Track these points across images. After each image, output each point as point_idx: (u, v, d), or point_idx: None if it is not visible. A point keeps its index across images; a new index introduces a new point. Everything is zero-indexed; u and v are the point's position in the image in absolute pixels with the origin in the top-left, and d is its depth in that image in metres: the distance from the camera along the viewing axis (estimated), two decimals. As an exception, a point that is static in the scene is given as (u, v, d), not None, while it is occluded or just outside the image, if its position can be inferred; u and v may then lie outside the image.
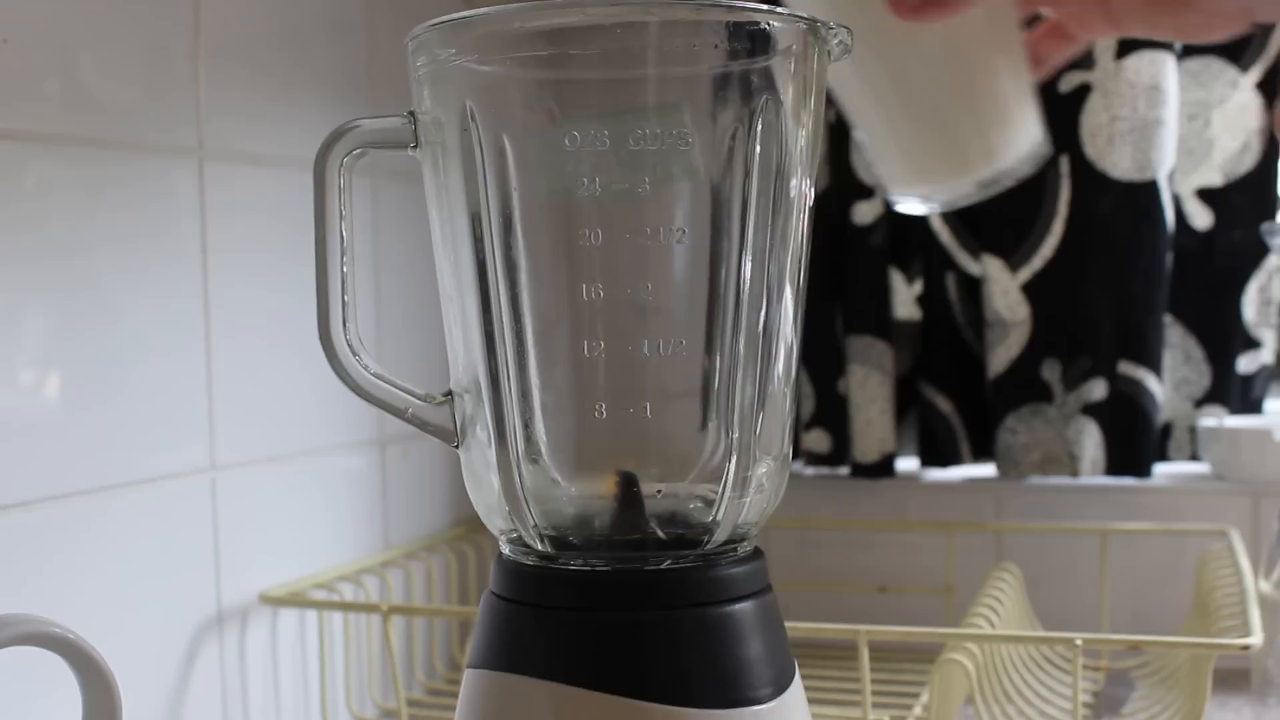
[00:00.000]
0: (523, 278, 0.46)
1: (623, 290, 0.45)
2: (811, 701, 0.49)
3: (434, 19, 0.45)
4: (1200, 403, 0.99)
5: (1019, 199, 0.97)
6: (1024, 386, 0.98)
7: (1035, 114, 0.57)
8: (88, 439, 0.64)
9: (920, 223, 1.00)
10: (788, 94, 0.46)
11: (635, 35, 0.44)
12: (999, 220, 0.98)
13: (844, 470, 1.04)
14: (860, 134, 0.59)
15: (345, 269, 0.47)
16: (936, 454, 1.02)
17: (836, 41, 0.47)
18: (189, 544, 0.71)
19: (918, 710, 0.74)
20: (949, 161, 0.57)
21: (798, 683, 0.47)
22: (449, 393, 0.49)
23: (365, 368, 0.48)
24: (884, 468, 1.01)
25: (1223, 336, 0.98)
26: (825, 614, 0.90)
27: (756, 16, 0.45)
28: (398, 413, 0.49)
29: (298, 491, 0.79)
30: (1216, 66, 0.96)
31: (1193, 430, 0.99)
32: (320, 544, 0.81)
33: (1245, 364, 0.99)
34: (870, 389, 1.00)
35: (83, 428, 0.64)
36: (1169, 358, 0.99)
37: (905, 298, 1.03)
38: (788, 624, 0.49)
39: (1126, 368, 0.96)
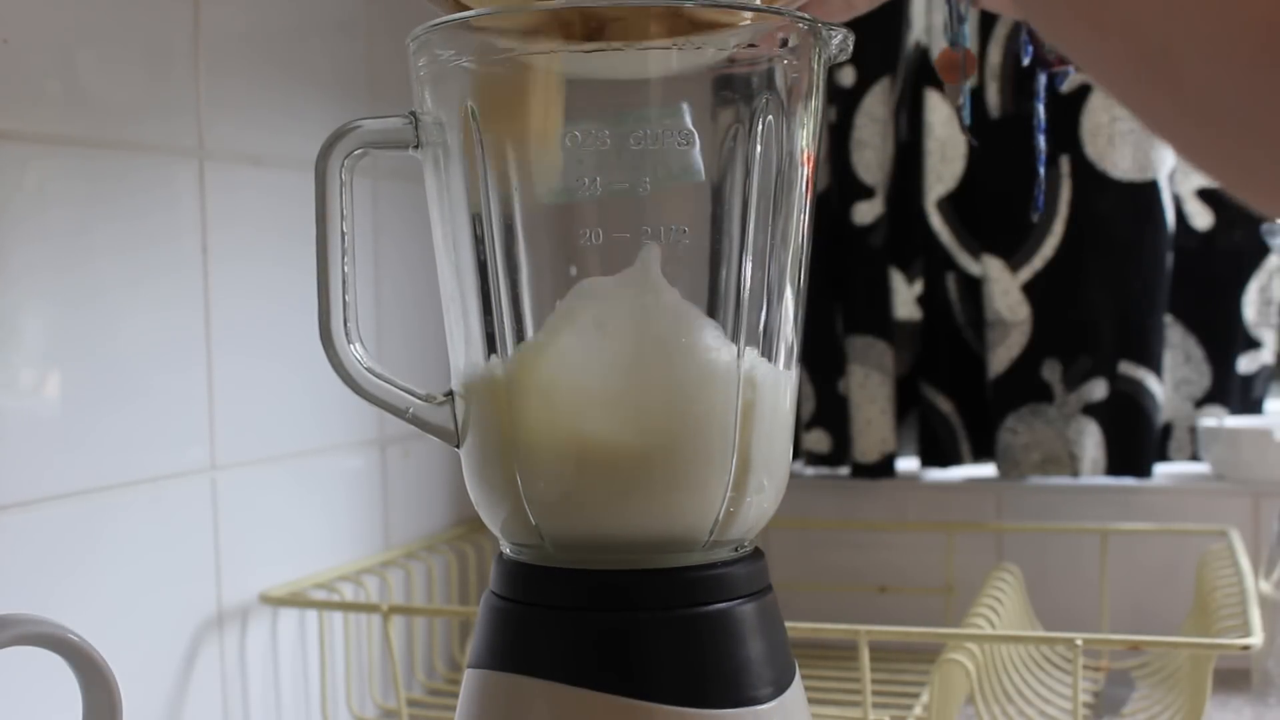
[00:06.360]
0: (523, 278, 0.46)
1: (623, 290, 0.45)
2: (811, 701, 0.49)
3: (435, 20, 0.45)
4: (1200, 403, 0.99)
5: (1019, 199, 0.97)
6: (1024, 386, 0.98)
7: None
8: (88, 439, 0.64)
9: (920, 223, 1.00)
10: (788, 94, 0.46)
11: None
12: (999, 220, 0.98)
13: (844, 470, 1.04)
14: None
15: (346, 269, 0.47)
16: (937, 454, 1.02)
17: (836, 41, 0.47)
18: (189, 544, 0.71)
19: (918, 710, 0.74)
20: None
21: (798, 683, 0.47)
22: (449, 393, 0.49)
23: (366, 367, 0.48)
24: (884, 468, 1.01)
25: (1223, 336, 0.98)
26: (825, 614, 0.90)
27: (757, 17, 0.45)
28: (398, 413, 0.49)
29: (298, 492, 0.79)
30: (1216, 66, 0.96)
31: (1193, 430, 0.99)
32: (320, 544, 0.81)
33: (1245, 364, 0.99)
34: (870, 389, 1.00)
35: (83, 428, 0.64)
36: (1169, 358, 0.99)
37: (905, 298, 1.03)
38: (788, 624, 0.49)
39: (1127, 368, 0.96)
